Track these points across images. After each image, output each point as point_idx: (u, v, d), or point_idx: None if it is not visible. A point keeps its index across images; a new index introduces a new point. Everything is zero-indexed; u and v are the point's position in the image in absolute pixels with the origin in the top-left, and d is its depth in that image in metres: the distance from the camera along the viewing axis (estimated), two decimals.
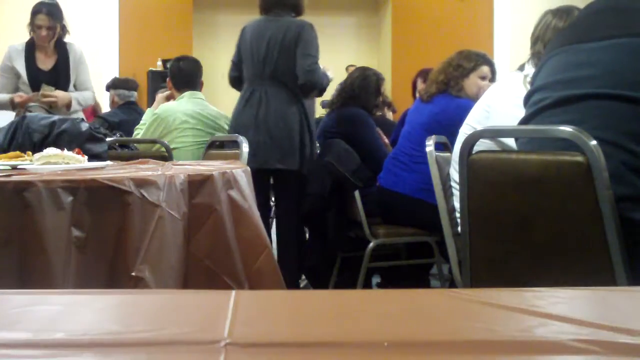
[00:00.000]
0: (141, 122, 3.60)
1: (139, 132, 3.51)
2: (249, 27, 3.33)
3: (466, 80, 3.09)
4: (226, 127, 3.46)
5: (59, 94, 3.72)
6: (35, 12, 3.76)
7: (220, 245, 1.74)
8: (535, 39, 2.25)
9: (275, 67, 3.16)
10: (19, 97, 3.68)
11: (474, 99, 3.05)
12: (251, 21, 3.35)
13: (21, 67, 3.74)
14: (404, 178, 3.06)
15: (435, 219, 2.20)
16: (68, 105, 3.74)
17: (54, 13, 3.78)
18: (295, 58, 3.12)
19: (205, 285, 1.69)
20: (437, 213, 2.17)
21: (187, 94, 3.50)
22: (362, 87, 3.52)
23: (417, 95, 3.57)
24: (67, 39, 3.85)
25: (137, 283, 1.50)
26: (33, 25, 3.75)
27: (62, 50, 3.83)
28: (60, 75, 3.82)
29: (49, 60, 3.81)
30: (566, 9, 2.23)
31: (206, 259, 1.71)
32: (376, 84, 3.55)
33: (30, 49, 3.78)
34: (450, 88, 3.06)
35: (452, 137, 2.43)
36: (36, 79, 3.76)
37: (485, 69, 3.13)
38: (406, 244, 3.31)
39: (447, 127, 2.87)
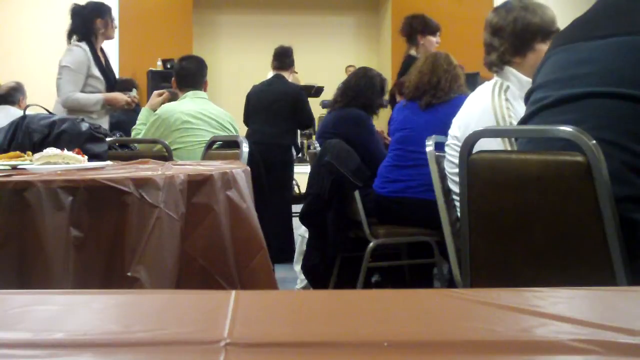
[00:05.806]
0: (138, 121, 3.59)
1: (138, 132, 3.50)
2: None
3: None
4: (229, 126, 3.45)
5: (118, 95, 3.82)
6: (109, 10, 3.83)
7: (215, 245, 1.74)
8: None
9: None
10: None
11: None
12: None
13: (94, 68, 3.75)
14: (408, 182, 3.06)
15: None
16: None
17: None
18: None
19: (198, 284, 1.69)
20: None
21: (189, 93, 3.49)
22: (368, 86, 3.52)
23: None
24: (74, 38, 3.86)
25: (133, 283, 1.50)
26: (111, 23, 3.81)
27: (102, 51, 3.90)
28: (112, 73, 3.94)
29: (103, 59, 3.86)
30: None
31: (200, 258, 1.70)
32: (380, 84, 3.56)
33: (93, 50, 3.79)
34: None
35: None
36: (107, 77, 3.83)
37: None
38: (407, 244, 3.31)
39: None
